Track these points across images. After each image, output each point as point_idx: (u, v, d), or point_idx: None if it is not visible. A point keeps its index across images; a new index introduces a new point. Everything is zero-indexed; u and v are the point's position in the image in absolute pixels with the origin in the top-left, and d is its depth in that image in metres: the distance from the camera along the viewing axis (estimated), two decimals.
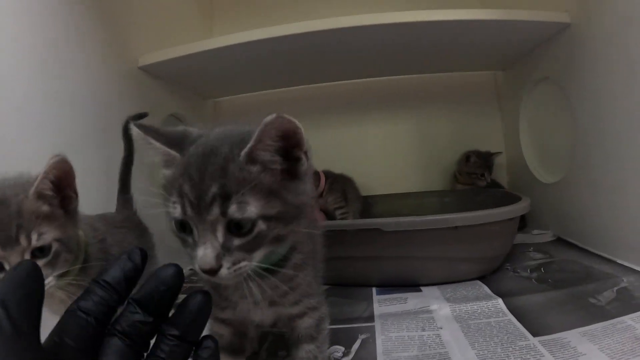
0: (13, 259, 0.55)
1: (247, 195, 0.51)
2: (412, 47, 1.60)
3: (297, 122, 0.54)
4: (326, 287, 1.30)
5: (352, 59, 1.70)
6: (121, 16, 1.39)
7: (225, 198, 0.50)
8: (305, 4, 2.13)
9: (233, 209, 0.50)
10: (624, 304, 0.99)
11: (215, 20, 2.21)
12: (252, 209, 0.51)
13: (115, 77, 1.36)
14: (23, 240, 0.56)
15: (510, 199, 1.35)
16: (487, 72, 2.11)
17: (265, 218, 0.52)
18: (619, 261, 1.25)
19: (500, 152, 1.95)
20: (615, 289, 1.09)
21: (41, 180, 0.59)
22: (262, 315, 0.68)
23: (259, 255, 0.54)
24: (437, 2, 1.49)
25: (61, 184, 0.63)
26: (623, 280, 1.13)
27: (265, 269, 0.54)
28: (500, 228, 1.23)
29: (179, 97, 1.77)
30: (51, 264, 0.59)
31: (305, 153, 0.57)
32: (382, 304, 1.18)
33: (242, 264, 0.52)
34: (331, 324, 0.83)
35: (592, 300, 1.04)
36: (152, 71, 1.53)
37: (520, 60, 1.80)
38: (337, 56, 1.66)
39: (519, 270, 1.32)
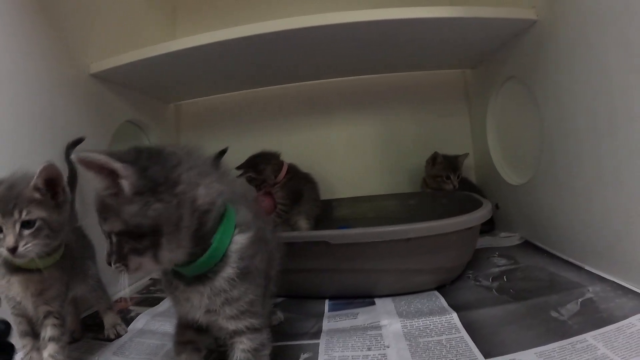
0: (8, 225, 0.78)
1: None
2: (378, 45, 1.53)
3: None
4: (280, 299, 1.25)
5: (316, 58, 1.63)
6: (71, 22, 1.33)
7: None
8: (270, 4, 2.07)
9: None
10: (587, 319, 0.92)
11: (179, 22, 2.15)
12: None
13: (64, 85, 1.30)
14: (16, 214, 0.79)
15: (474, 203, 1.30)
16: (456, 71, 2.04)
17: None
18: (586, 267, 1.19)
19: (467, 154, 1.87)
20: (580, 300, 1.01)
21: (36, 178, 0.81)
22: (199, 317, 0.68)
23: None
24: (403, 0, 1.40)
25: (51, 182, 0.84)
26: (589, 290, 1.05)
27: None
28: (457, 238, 1.15)
29: (137, 103, 1.69)
30: (33, 235, 0.80)
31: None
32: (332, 320, 1.10)
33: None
34: (277, 340, 0.78)
35: (554, 314, 0.97)
36: (106, 77, 1.46)
37: (488, 58, 1.75)
38: (302, 56, 1.59)
39: (480, 279, 1.25)
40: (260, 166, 1.73)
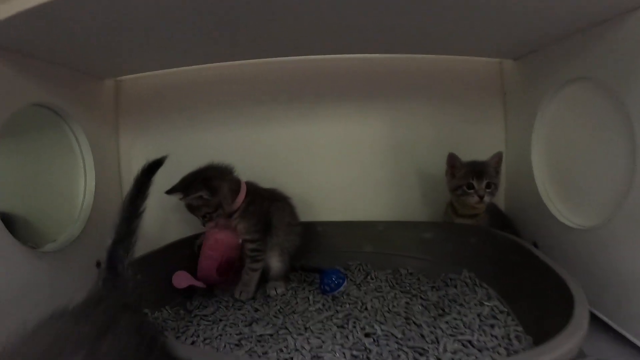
0: None
1: None
2: (389, 11, 1.03)
3: None
4: None
5: (304, 23, 1.10)
6: None
7: None
8: None
9: None
10: None
11: None
12: None
13: None
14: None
15: (519, 250, 1.12)
16: (490, 61, 1.60)
17: None
18: None
19: (499, 154, 1.41)
20: None
21: None
22: None
23: None
24: None
25: None
26: None
27: None
28: None
29: (51, 78, 1.20)
30: None
31: None
32: None
33: None
34: None
35: None
36: None
37: (544, 48, 1.32)
38: (286, 18, 1.06)
39: None
40: (214, 182, 1.25)
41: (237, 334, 1.04)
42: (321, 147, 1.64)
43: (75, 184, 1.31)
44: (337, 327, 1.04)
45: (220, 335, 1.05)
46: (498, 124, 1.62)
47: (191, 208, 1.26)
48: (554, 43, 1.26)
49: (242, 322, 1.10)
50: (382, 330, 1.00)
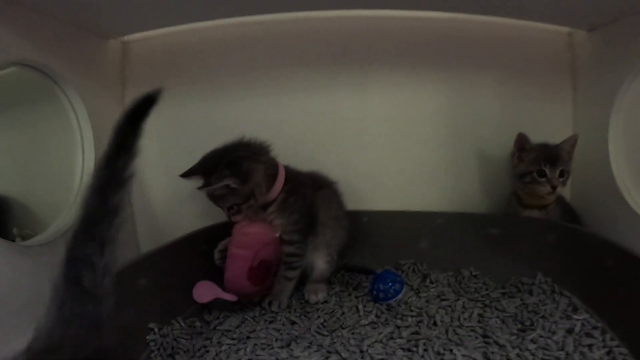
0: None
1: None
2: None
3: None
4: None
5: None
6: None
7: None
8: None
9: None
10: None
11: None
12: None
13: None
14: None
15: (610, 249, 0.98)
16: (560, 30, 1.41)
17: None
18: None
19: (574, 137, 1.25)
20: None
21: None
22: None
23: None
24: None
25: None
26: None
27: None
28: None
29: (41, 34, 1.02)
30: None
31: None
32: None
33: None
34: None
35: None
36: None
37: (626, 17, 1.16)
38: None
39: None
40: (244, 166, 1.02)
41: None
42: (367, 122, 1.45)
43: (72, 162, 1.15)
44: (403, 350, 0.86)
45: None
46: (565, 104, 1.45)
47: (214, 197, 1.04)
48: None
49: (276, 341, 0.91)
50: (462, 355, 0.82)
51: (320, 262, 1.12)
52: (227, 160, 1.00)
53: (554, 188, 1.18)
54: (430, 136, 1.45)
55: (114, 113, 1.22)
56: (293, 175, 1.10)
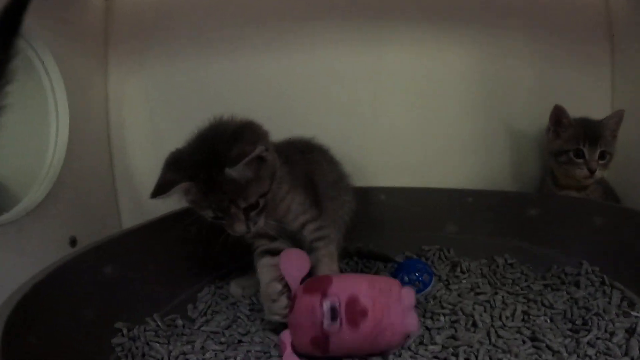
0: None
1: None
2: None
3: None
4: None
5: None
6: None
7: None
8: None
9: None
10: None
11: None
12: None
13: None
14: None
15: None
16: None
17: None
18: None
19: (619, 112, 1.17)
20: None
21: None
22: None
23: None
24: None
25: None
26: None
27: None
28: None
29: None
30: None
31: None
32: None
33: None
34: None
35: None
36: None
37: None
38: None
39: None
40: (250, 133, 0.80)
41: None
42: (382, 85, 1.36)
43: (44, 133, 1.08)
44: None
45: None
46: (603, 74, 1.38)
47: (224, 197, 0.75)
48: None
49: (275, 347, 0.78)
50: None
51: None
52: (228, 134, 0.78)
53: (591, 172, 1.10)
54: (457, 103, 1.37)
55: (94, 78, 1.27)
56: (286, 148, 0.94)
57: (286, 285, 0.77)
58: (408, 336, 0.75)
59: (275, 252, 0.85)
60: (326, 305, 0.68)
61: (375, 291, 0.70)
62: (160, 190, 0.72)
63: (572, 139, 1.13)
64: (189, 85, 1.28)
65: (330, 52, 1.32)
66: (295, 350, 0.72)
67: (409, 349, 0.75)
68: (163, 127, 1.26)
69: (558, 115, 1.16)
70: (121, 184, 1.31)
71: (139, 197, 1.31)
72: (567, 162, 1.13)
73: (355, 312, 0.67)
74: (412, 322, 0.71)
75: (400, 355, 0.73)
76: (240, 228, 0.75)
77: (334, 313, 0.67)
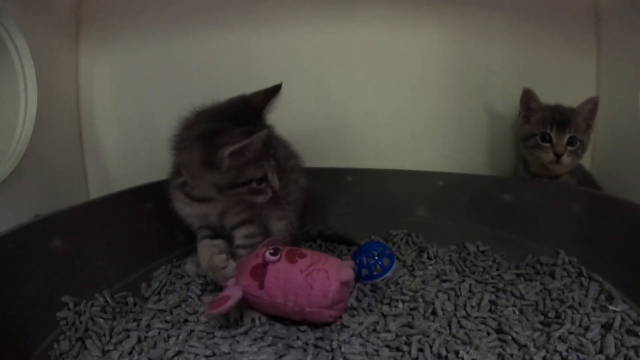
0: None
1: None
2: None
3: None
4: None
5: None
6: None
7: None
8: None
9: None
10: None
11: None
12: None
13: None
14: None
15: None
16: None
17: None
18: None
19: (593, 99, 1.13)
20: None
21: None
22: None
23: None
24: None
25: None
26: None
27: None
28: None
29: None
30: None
31: None
32: None
33: None
34: None
35: None
36: None
37: None
38: None
39: None
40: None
41: (207, 356, 0.68)
42: (353, 64, 1.33)
43: (12, 110, 1.07)
44: (390, 349, 0.68)
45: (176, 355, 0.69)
46: (588, 58, 1.36)
47: (239, 174, 0.77)
48: None
49: (219, 328, 0.75)
50: None
51: (276, 223, 0.97)
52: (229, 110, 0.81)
53: (558, 156, 1.07)
54: (431, 84, 1.35)
55: (64, 55, 1.24)
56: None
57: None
58: (345, 310, 0.76)
59: (213, 237, 0.88)
60: (272, 246, 0.77)
61: (318, 253, 0.79)
62: (243, 146, 0.71)
63: (540, 122, 1.11)
64: (158, 62, 1.26)
65: (299, 30, 1.30)
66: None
67: (360, 335, 0.70)
68: (133, 104, 1.24)
69: (527, 98, 1.14)
70: (90, 161, 1.29)
71: (108, 175, 1.30)
72: (535, 146, 1.11)
73: (294, 254, 0.75)
74: (347, 272, 0.74)
75: (349, 342, 0.68)
76: (275, 183, 0.80)
77: (275, 251, 0.75)
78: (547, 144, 1.10)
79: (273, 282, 0.72)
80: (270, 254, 0.74)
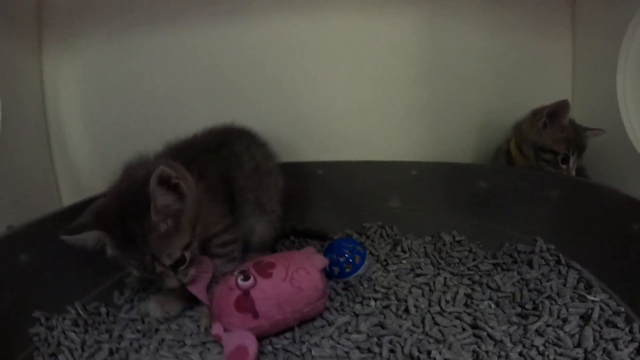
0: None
1: None
2: None
3: None
4: None
5: None
6: None
7: None
8: None
9: None
10: None
11: None
12: None
13: None
14: None
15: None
16: None
17: None
18: None
19: (601, 131, 1.14)
20: None
21: None
22: None
23: None
24: None
25: None
26: None
27: None
28: None
29: None
30: None
31: None
32: None
33: None
34: None
35: None
36: None
37: None
38: None
39: None
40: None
41: None
42: (322, 51, 1.28)
43: None
44: (361, 351, 0.66)
45: None
46: (564, 41, 1.34)
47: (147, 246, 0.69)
48: None
49: (190, 336, 0.73)
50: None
51: (260, 224, 0.94)
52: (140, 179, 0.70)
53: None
54: (402, 71, 1.30)
55: (27, 60, 1.22)
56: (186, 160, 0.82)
57: None
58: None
59: None
60: (236, 272, 0.71)
61: (278, 255, 0.79)
62: (70, 230, 0.67)
63: (564, 143, 1.10)
64: (123, 63, 1.24)
65: (267, 17, 1.26)
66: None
67: (331, 337, 0.68)
68: (100, 106, 1.22)
69: (564, 112, 1.10)
70: (60, 167, 1.27)
71: (80, 179, 1.29)
72: (550, 162, 1.10)
73: (263, 267, 0.71)
74: (318, 258, 0.76)
75: (320, 345, 0.66)
76: (172, 284, 0.71)
77: (245, 274, 0.69)
78: (564, 166, 1.10)
79: (266, 304, 0.68)
80: (242, 280, 0.70)
